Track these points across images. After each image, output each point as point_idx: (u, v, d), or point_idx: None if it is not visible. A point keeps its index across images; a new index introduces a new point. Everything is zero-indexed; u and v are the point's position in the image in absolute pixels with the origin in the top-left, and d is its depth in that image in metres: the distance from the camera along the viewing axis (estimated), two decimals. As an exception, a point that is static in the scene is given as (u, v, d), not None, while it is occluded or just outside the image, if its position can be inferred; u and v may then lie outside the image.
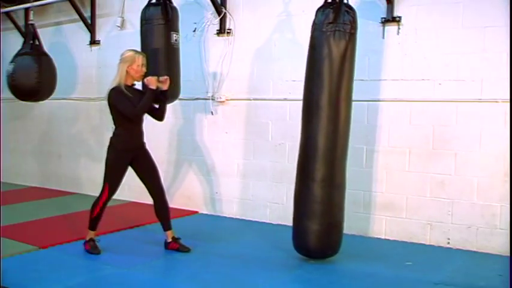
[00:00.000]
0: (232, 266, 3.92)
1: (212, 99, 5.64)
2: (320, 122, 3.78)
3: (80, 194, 6.65)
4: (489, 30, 4.20)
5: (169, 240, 4.25)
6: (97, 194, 4.14)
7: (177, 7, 4.90)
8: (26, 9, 6.69)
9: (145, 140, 4.20)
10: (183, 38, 5.22)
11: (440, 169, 4.44)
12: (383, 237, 4.71)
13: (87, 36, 6.66)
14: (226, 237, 4.78)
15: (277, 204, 5.29)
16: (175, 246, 4.23)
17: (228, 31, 5.53)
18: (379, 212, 4.73)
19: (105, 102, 4.04)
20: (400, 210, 4.63)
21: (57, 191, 6.93)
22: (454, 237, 4.39)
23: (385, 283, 3.60)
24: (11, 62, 5.84)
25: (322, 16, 3.78)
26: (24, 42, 6.02)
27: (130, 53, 4.04)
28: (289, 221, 4.12)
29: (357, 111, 4.15)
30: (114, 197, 4.17)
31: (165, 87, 4.07)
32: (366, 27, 4.45)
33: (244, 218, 5.48)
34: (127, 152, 4.09)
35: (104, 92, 4.08)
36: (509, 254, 4.04)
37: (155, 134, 5.14)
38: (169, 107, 4.36)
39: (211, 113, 5.67)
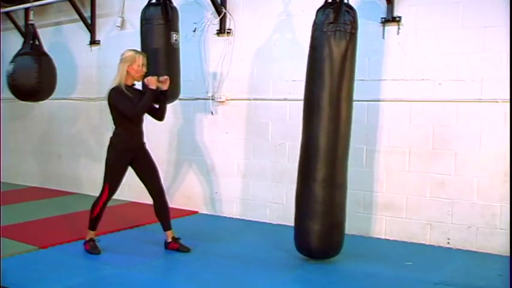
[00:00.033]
0: (232, 266, 3.92)
1: (212, 99, 5.64)
2: (321, 122, 3.78)
3: (80, 194, 6.65)
4: (489, 30, 4.20)
5: (169, 240, 4.25)
6: (97, 194, 4.14)
7: (177, 7, 4.89)
8: (26, 9, 6.68)
9: (145, 140, 4.20)
10: (183, 38, 5.21)
11: (440, 169, 4.45)
12: (383, 237, 4.71)
13: (87, 36, 6.65)
14: (226, 237, 4.78)
15: (277, 204, 5.28)
16: (175, 246, 4.23)
17: (228, 31, 5.53)
18: (379, 212, 4.73)
19: (105, 102, 4.04)
20: (400, 210, 4.63)
21: (57, 191, 6.93)
22: (454, 237, 4.40)
23: (385, 283, 3.60)
24: (11, 62, 5.84)
25: (322, 16, 3.78)
26: (24, 42, 6.01)
27: (131, 53, 4.04)
28: (289, 221, 4.12)
29: (357, 111, 4.14)
30: (114, 197, 4.17)
31: (165, 87, 4.07)
32: (366, 27, 4.45)
33: (244, 218, 5.48)
34: (127, 152, 4.09)
35: (104, 92, 4.08)
36: (509, 254, 4.04)
37: (155, 134, 5.14)
38: (169, 107, 4.36)
39: (211, 113, 5.67)
